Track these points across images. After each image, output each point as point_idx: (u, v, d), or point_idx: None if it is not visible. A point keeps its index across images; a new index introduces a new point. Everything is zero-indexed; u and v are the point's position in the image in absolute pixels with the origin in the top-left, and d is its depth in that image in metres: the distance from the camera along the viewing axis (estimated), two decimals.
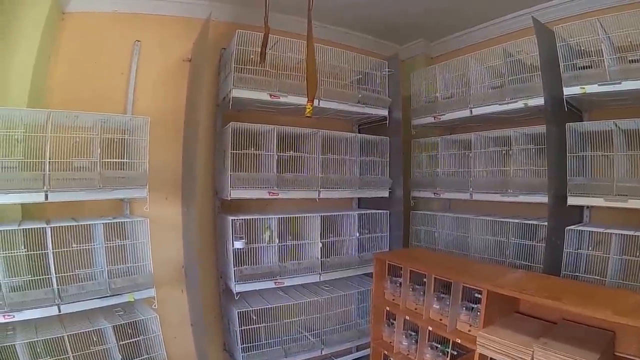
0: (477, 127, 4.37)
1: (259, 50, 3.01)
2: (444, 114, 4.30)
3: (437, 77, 4.43)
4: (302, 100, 3.50)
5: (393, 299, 3.53)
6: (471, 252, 4.09)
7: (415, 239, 4.75)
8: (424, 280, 3.23)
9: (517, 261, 3.65)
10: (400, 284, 3.44)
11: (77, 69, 3.51)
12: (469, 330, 2.85)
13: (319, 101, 3.76)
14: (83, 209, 3.38)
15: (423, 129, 4.76)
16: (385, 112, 4.39)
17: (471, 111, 3.99)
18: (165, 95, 3.94)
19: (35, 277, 2.84)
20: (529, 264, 3.56)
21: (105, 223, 3.16)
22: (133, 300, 3.15)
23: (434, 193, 4.49)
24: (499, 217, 3.91)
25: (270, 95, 3.59)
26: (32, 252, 2.83)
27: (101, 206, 3.44)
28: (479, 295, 2.79)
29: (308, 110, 2.64)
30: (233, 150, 3.54)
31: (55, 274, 2.87)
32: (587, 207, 3.54)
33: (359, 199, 4.93)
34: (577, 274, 3.16)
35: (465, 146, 4.29)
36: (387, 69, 4.40)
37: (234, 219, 3.57)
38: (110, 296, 3.04)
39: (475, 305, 2.85)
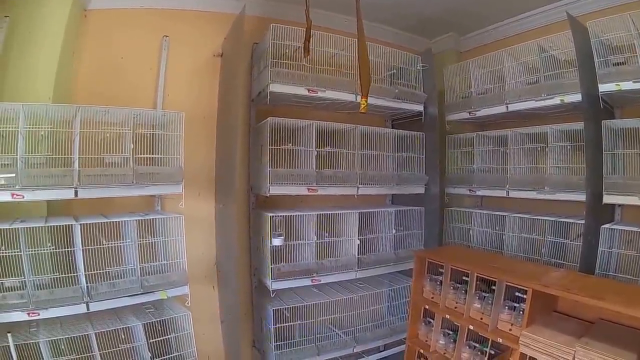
0: (509, 123, 4.29)
1: (302, 44, 2.94)
2: (480, 110, 4.23)
3: (470, 72, 4.38)
4: (341, 96, 3.62)
5: (432, 297, 3.47)
6: (505, 250, 4.00)
7: (449, 236, 4.67)
8: (464, 278, 3.19)
9: (552, 259, 3.59)
10: (440, 282, 3.39)
11: (104, 65, 3.50)
12: (510, 330, 2.79)
13: (355, 96, 3.73)
14: (111, 205, 3.33)
15: (456, 125, 4.72)
16: (420, 108, 4.33)
17: (507, 107, 3.92)
18: (196, 91, 3.93)
19: (63, 275, 2.79)
20: (564, 262, 3.50)
21: (138, 220, 3.10)
22: (166, 297, 3.11)
23: (469, 190, 4.42)
24: (534, 215, 3.84)
25: (309, 90, 3.55)
26: (59, 250, 2.78)
27: (131, 202, 3.42)
28: (520, 294, 2.77)
29: (363, 106, 2.58)
30: (271, 145, 3.50)
31: (85, 271, 2.82)
32: (619, 205, 3.48)
33: (392, 195, 4.90)
34: (611, 273, 3.13)
35: (500, 143, 4.23)
36: (421, 64, 4.36)
37: (273, 216, 3.51)
38: (142, 294, 2.99)
39: (518, 305, 2.80)
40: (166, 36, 3.76)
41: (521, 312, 2.73)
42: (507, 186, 3.99)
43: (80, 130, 2.82)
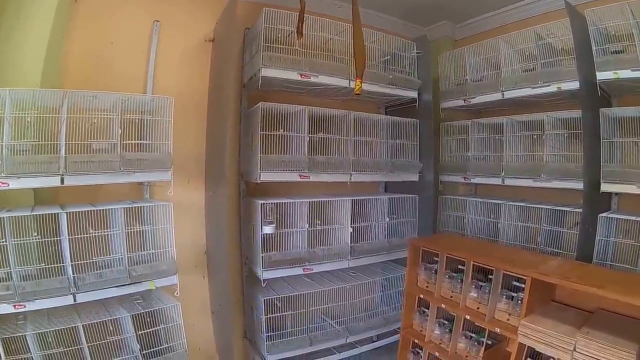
0: (504, 111, 4.32)
1: (296, 28, 2.87)
2: (475, 97, 4.21)
3: (466, 59, 4.34)
4: (334, 81, 3.56)
5: (427, 287, 3.42)
6: (501, 238, 4.01)
7: (444, 224, 4.67)
8: (459, 267, 3.16)
9: (548, 248, 3.59)
10: (435, 271, 3.35)
11: (94, 50, 3.40)
12: (508, 320, 2.77)
13: (349, 82, 3.66)
14: (99, 193, 3.27)
15: (450, 113, 4.68)
16: (414, 94, 4.27)
17: (503, 94, 3.90)
18: (187, 76, 3.83)
19: (49, 265, 2.71)
20: (560, 251, 3.50)
21: (126, 208, 3.01)
22: (154, 287, 3.03)
23: (464, 177, 4.39)
24: (530, 203, 3.84)
25: (301, 75, 3.47)
26: (45, 239, 2.69)
27: (119, 190, 3.35)
28: (518, 283, 2.75)
29: (357, 87, 2.52)
30: (262, 131, 3.42)
31: (71, 261, 2.74)
32: (616, 194, 3.48)
33: (385, 183, 4.85)
34: (608, 263, 3.12)
35: (496, 130, 4.20)
36: (415, 50, 4.30)
37: (264, 203, 3.43)
38: (130, 284, 2.91)
39: (515, 294, 2.76)
40: (157, 21, 3.65)
41: (519, 302, 2.70)
42: (503, 174, 3.98)
43: (67, 116, 2.73)
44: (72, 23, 3.30)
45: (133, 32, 3.60)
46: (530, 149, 3.95)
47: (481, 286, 2.98)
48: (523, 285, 2.66)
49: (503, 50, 3.95)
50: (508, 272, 2.79)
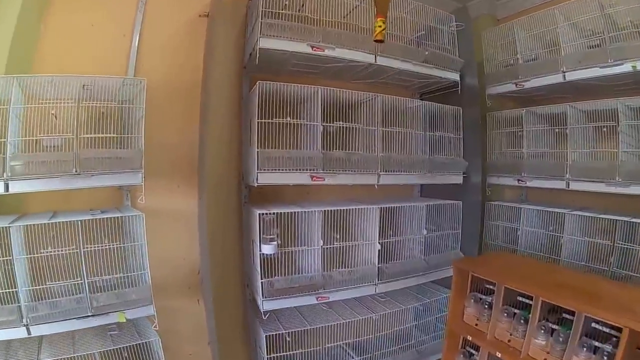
0: (557, 99, 3.65)
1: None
2: (529, 80, 3.55)
3: (516, 35, 3.71)
4: (356, 55, 2.99)
5: (476, 324, 2.72)
6: (563, 257, 3.32)
7: (490, 237, 3.98)
8: (519, 298, 2.47)
9: (622, 271, 2.96)
10: (489, 304, 2.64)
11: (72, 34, 3.03)
12: None
13: (375, 57, 3.02)
14: (70, 199, 2.79)
15: (496, 101, 4.02)
16: (456, 77, 3.60)
17: (564, 75, 3.27)
18: (177, 59, 3.41)
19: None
20: (637, 274, 2.88)
21: (85, 220, 2.48)
22: (124, 320, 2.52)
23: (518, 180, 3.70)
24: (599, 213, 3.17)
25: (312, 47, 2.78)
26: None
27: (95, 195, 2.87)
28: (600, 327, 2.07)
29: (378, 29, 1.85)
30: (261, 118, 2.72)
31: (25, 287, 2.32)
32: None
33: (421, 185, 4.17)
34: None
35: (556, 121, 3.54)
36: (454, 22, 3.64)
37: (263, 214, 2.74)
38: (92, 316, 2.42)
39: (601, 345, 2.08)
40: None
41: (605, 356, 2.04)
42: (568, 175, 3.30)
43: (15, 106, 2.32)
44: (52, 7, 2.98)
45: (115, 12, 3.20)
46: (598, 144, 3.33)
47: (552, 330, 2.28)
48: (607, 330, 2.05)
49: (561, 23, 3.35)
50: (595, 318, 2.08)
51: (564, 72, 3.27)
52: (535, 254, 3.57)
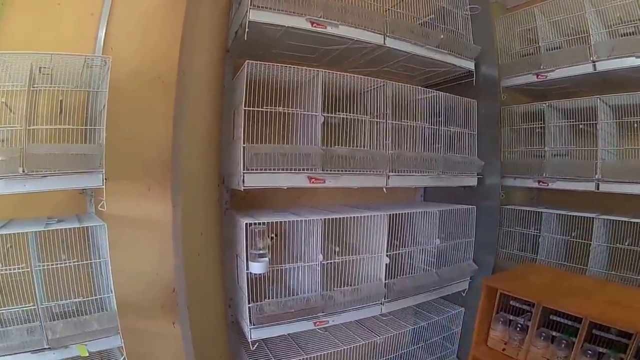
0: (580, 92, 3.42)
1: None
2: (554, 70, 3.27)
3: (536, 21, 3.46)
4: (362, 35, 2.62)
5: (503, 349, 2.32)
6: (590, 267, 3.05)
7: (504, 245, 3.67)
8: (551, 317, 2.17)
9: None
10: (519, 326, 2.26)
11: (37, 13, 2.65)
12: None
13: (384, 38, 2.60)
14: (26, 204, 2.36)
15: (509, 94, 3.75)
16: (471, 65, 3.21)
17: (594, 65, 3.02)
18: (149, 41, 2.92)
19: None
20: None
21: (39, 232, 2.04)
22: (87, 354, 2.05)
23: (539, 182, 3.36)
24: (628, 217, 2.92)
25: (312, 23, 2.34)
26: None
27: (56, 199, 2.46)
28: None
29: None
30: (248, 106, 2.27)
31: None
32: None
33: (424, 188, 3.81)
34: None
35: (581, 116, 3.22)
36: (469, 5, 3.23)
37: (250, 224, 2.26)
38: (48, 349, 1.98)
39: None
40: None
41: None
42: (598, 176, 2.99)
43: None
44: None
45: None
46: (630, 142, 3.12)
47: (600, 354, 1.97)
48: None
49: (588, 7, 3.09)
50: None
51: (594, 62, 3.03)
52: (559, 263, 3.31)
